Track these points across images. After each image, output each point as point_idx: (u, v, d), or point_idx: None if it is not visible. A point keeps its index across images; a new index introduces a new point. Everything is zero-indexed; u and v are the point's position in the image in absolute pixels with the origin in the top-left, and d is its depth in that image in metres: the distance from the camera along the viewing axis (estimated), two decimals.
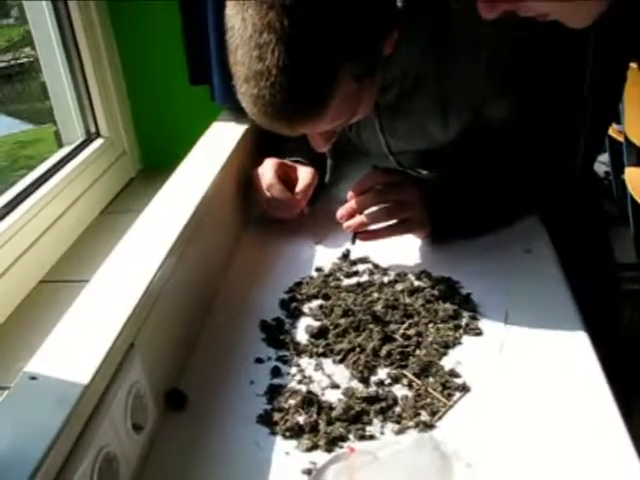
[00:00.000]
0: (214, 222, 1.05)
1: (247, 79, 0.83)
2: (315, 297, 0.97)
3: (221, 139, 1.24)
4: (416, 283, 0.98)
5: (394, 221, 1.03)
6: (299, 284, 1.01)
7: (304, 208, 1.16)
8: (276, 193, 1.13)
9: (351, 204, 1.03)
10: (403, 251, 1.06)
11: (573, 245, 1.13)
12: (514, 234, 1.06)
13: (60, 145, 1.44)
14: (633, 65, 1.74)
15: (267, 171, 1.15)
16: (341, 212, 1.04)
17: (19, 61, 1.60)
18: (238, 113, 1.26)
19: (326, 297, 0.97)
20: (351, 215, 1.03)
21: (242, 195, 1.20)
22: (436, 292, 0.94)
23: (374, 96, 0.96)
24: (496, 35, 0.97)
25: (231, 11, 0.84)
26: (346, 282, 1.01)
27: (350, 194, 1.03)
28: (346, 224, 1.03)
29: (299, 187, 1.15)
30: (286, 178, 1.16)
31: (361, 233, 1.04)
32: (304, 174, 1.17)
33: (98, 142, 1.46)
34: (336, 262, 1.06)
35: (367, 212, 1.03)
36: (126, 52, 1.52)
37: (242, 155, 1.22)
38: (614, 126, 2.37)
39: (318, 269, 1.05)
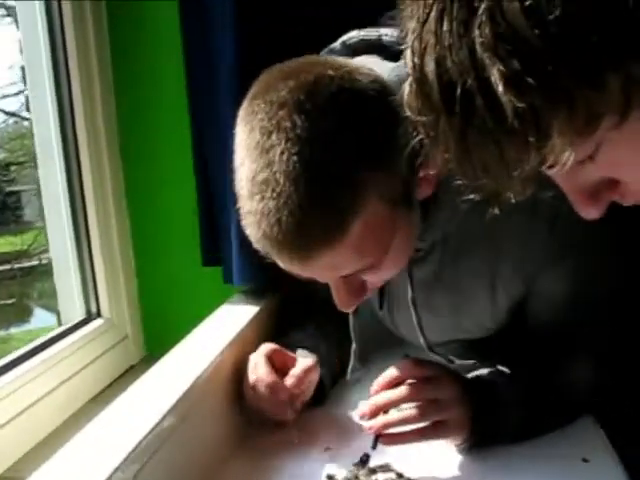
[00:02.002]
0: (202, 417, 0.90)
1: (251, 194, 0.73)
2: None
3: (225, 323, 1.11)
4: None
5: (425, 423, 0.87)
6: None
7: (293, 408, 0.97)
8: (260, 373, 0.97)
9: (375, 400, 0.88)
10: (433, 458, 0.90)
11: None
12: (567, 439, 0.93)
13: (60, 324, 1.35)
14: None
15: (258, 354, 1.01)
16: (363, 409, 0.89)
17: None
18: (252, 295, 1.21)
19: None
20: (374, 414, 0.88)
21: (242, 387, 1.02)
22: None
23: (411, 240, 0.84)
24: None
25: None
26: None
27: (374, 388, 0.90)
28: (368, 424, 0.88)
29: (293, 371, 0.98)
30: (282, 368, 1.00)
31: (384, 436, 0.88)
32: (303, 360, 1.01)
33: (97, 323, 1.36)
34: (351, 469, 0.90)
35: (394, 411, 0.88)
36: (138, 232, 1.48)
37: (247, 340, 1.07)
38: None
39: (329, 477, 0.89)
